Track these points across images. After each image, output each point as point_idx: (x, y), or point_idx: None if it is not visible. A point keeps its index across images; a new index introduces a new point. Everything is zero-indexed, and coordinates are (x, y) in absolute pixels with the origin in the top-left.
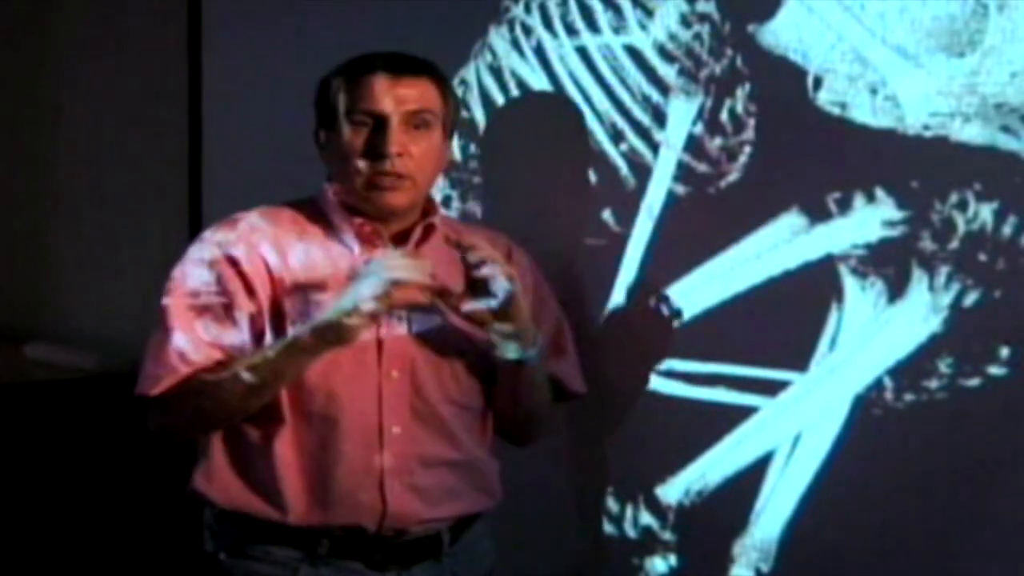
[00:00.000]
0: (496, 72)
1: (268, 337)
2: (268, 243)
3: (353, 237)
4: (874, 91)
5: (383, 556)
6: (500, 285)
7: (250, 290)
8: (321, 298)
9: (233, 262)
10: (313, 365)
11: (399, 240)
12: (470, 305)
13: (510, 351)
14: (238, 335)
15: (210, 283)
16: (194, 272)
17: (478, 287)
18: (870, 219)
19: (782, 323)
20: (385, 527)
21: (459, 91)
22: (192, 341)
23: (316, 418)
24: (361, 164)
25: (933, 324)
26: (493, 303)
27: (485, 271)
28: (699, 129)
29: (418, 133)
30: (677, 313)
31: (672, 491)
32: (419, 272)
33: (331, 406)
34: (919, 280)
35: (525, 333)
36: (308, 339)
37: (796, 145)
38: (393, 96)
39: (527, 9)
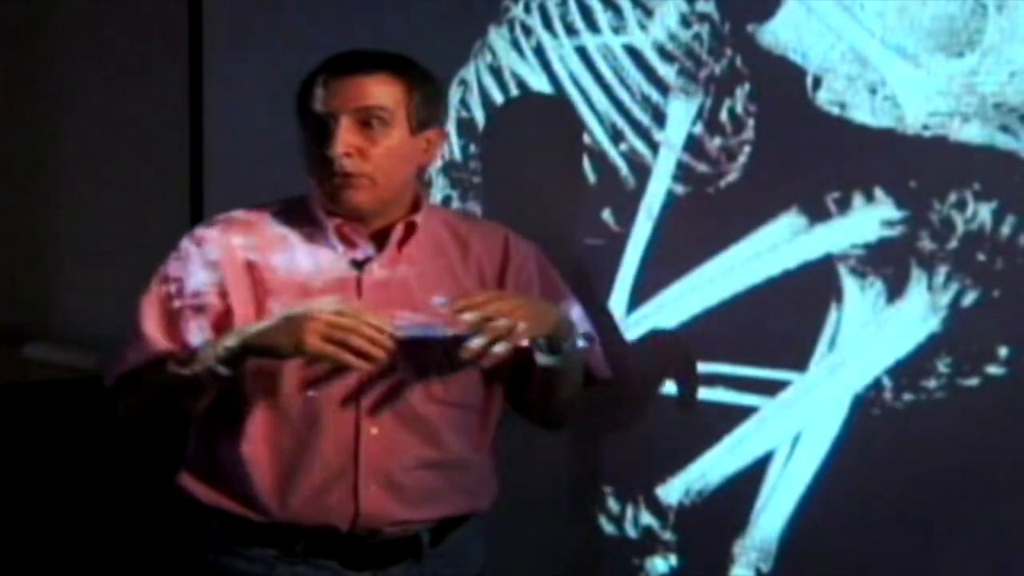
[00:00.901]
0: (496, 72)
1: None
2: (251, 243)
3: (335, 236)
4: (873, 91)
5: (359, 556)
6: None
7: (222, 291)
8: (306, 299)
9: (209, 263)
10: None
11: (380, 239)
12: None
13: (541, 358)
14: (200, 335)
15: (184, 283)
16: (171, 270)
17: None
18: (869, 219)
19: (782, 323)
20: (358, 527)
21: (459, 91)
22: (153, 337)
23: (294, 419)
24: (316, 165)
25: (932, 324)
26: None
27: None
28: (699, 129)
29: (372, 131)
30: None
31: (672, 491)
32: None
33: (309, 406)
34: (918, 280)
35: (556, 332)
36: (233, 346)
37: (795, 145)
38: (337, 95)
39: (527, 9)
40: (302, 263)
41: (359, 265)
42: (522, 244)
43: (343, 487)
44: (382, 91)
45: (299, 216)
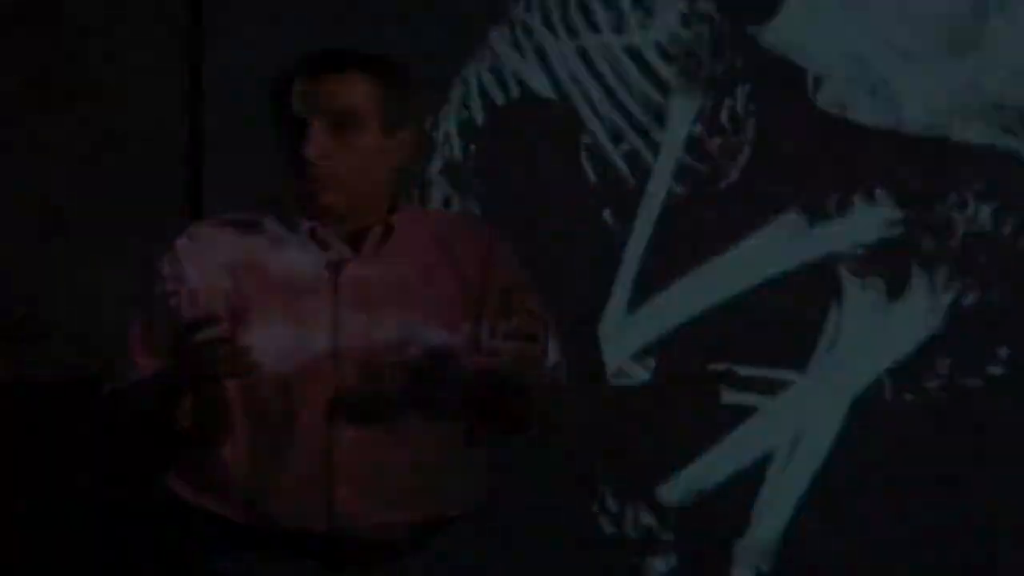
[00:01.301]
0: (496, 72)
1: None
2: (233, 245)
3: (309, 239)
4: (874, 91)
5: (340, 557)
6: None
7: (194, 296)
8: (284, 300)
9: (180, 272)
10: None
11: (358, 240)
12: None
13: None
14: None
15: (176, 282)
16: (163, 270)
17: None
18: (870, 219)
19: (782, 323)
20: (335, 529)
21: (459, 91)
22: (139, 362)
23: (270, 421)
24: (291, 168)
25: (932, 324)
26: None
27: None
28: (699, 129)
29: (345, 132)
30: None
31: (672, 491)
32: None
33: (285, 409)
34: (918, 280)
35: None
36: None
37: (796, 145)
38: (312, 97)
39: (527, 9)
40: (280, 265)
41: (336, 267)
42: (507, 252)
43: (318, 489)
44: (356, 92)
45: (279, 218)
